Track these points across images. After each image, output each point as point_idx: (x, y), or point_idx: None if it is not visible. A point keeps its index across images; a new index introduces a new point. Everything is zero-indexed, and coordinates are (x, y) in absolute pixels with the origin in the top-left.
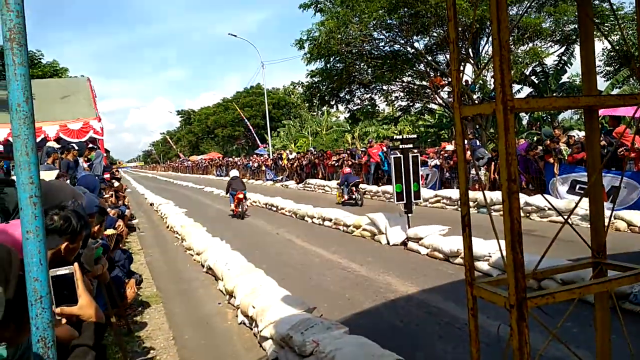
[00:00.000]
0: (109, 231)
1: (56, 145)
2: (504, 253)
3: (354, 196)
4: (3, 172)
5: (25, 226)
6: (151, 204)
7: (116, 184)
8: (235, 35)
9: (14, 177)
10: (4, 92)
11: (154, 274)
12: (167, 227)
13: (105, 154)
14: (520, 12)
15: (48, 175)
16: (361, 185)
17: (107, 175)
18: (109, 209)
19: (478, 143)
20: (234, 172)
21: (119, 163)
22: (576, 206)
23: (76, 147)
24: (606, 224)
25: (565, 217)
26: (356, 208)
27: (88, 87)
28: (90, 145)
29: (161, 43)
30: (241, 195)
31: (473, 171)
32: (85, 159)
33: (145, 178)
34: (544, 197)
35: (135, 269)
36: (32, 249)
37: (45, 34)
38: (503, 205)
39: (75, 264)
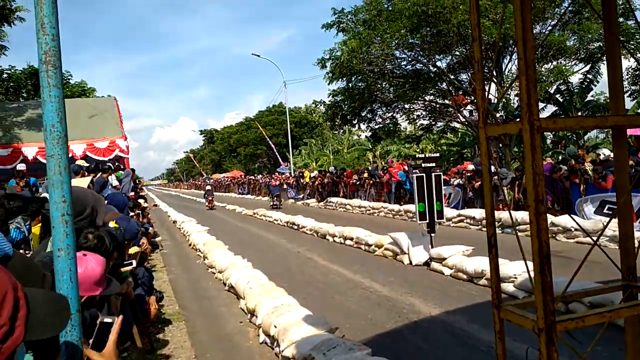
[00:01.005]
0: (134, 249)
1: (85, 164)
2: (532, 275)
3: (276, 203)
4: (30, 189)
5: (57, 244)
6: (174, 222)
7: (143, 203)
8: (258, 55)
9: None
10: (33, 111)
11: (176, 292)
12: (190, 244)
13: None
14: (544, 30)
15: (81, 182)
16: (382, 204)
17: (132, 193)
18: None
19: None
20: (208, 187)
21: (142, 181)
22: (605, 227)
23: (112, 167)
24: (636, 245)
25: (594, 238)
26: (373, 225)
27: (115, 106)
28: (117, 164)
29: (186, 64)
30: (210, 198)
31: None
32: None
33: (168, 196)
34: (572, 218)
35: (157, 286)
36: (64, 267)
37: (74, 54)
38: (530, 227)
39: (120, 317)
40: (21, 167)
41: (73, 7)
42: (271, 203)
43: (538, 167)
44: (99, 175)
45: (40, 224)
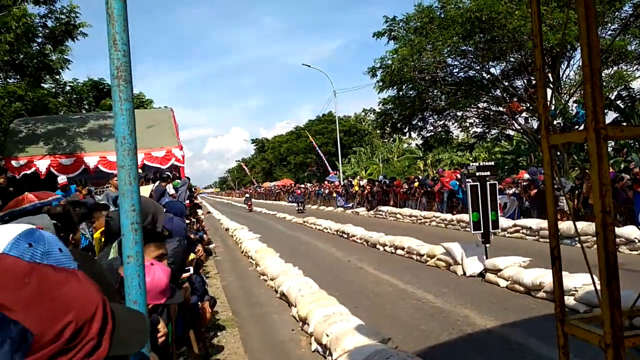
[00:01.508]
0: (190, 256)
1: (140, 172)
2: (598, 288)
3: (301, 208)
4: (92, 196)
5: (127, 251)
6: (227, 229)
7: (199, 212)
8: (309, 66)
9: (103, 202)
10: (95, 122)
11: (229, 298)
12: (242, 252)
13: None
14: (604, 35)
15: (143, 191)
16: (434, 214)
17: (187, 202)
18: (190, 235)
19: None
20: (247, 195)
21: (197, 189)
22: None
23: (170, 176)
24: None
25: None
26: (423, 235)
27: (171, 117)
28: (173, 173)
29: (238, 75)
30: (249, 203)
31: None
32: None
33: (220, 203)
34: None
35: (211, 292)
36: (132, 273)
37: (133, 67)
38: (597, 238)
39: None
40: (62, 179)
41: (131, 22)
42: (297, 208)
43: (605, 177)
44: (157, 183)
45: (101, 230)
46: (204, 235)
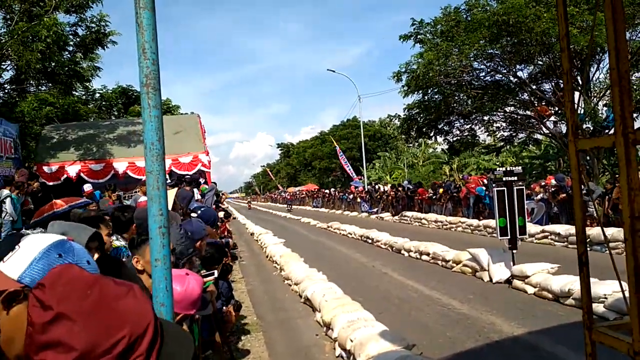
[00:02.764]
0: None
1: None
2: (627, 295)
3: (289, 207)
4: (120, 202)
5: (154, 254)
6: (252, 234)
7: (228, 220)
8: (333, 71)
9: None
10: (124, 128)
11: (254, 303)
12: (267, 256)
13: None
14: (634, 37)
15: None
16: (459, 219)
17: (213, 207)
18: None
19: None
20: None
21: (224, 195)
22: None
23: (199, 181)
24: None
25: None
26: (451, 242)
27: (198, 123)
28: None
29: (264, 81)
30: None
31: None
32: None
33: (245, 208)
34: None
35: (236, 297)
36: (160, 276)
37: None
38: (626, 245)
39: None
40: (88, 187)
41: (159, 31)
42: (287, 208)
43: (634, 182)
44: (182, 186)
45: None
46: (230, 240)
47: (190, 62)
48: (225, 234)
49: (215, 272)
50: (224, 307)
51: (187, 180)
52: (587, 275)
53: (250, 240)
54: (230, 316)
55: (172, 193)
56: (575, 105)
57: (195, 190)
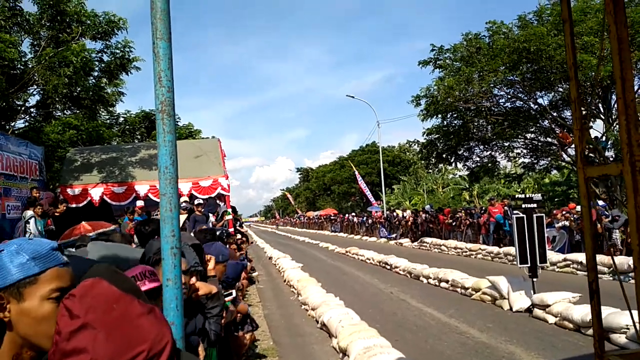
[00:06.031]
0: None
1: (185, 204)
2: (637, 324)
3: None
4: (149, 216)
5: (166, 274)
6: (270, 258)
7: (243, 242)
8: (352, 97)
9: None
10: (146, 151)
11: (270, 327)
12: (284, 280)
13: (231, 211)
14: None
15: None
16: (479, 246)
17: (231, 230)
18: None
19: (601, 203)
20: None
21: (241, 218)
22: None
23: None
24: None
25: None
26: (474, 270)
27: (218, 147)
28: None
29: (284, 106)
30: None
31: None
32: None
33: (265, 232)
34: None
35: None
36: (171, 295)
37: (183, 100)
38: (635, 273)
39: None
40: (140, 203)
41: (182, 57)
42: (275, 227)
43: None
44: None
45: None
46: (248, 264)
47: (213, 87)
48: (244, 257)
49: (233, 292)
50: (238, 333)
51: (201, 204)
52: (597, 303)
53: (268, 264)
54: (244, 340)
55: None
56: (596, 132)
57: (211, 214)
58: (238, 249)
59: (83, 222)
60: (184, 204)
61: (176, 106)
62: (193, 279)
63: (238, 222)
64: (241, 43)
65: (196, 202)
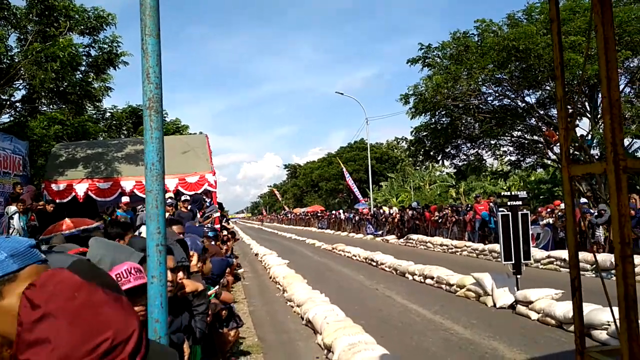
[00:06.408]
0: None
1: (171, 200)
2: (618, 321)
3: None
4: (135, 212)
5: (151, 271)
6: (256, 254)
7: (228, 239)
8: (342, 93)
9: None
10: (132, 147)
11: (255, 324)
12: (270, 277)
13: (217, 207)
14: None
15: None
16: (465, 243)
17: (217, 226)
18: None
19: (583, 201)
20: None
21: (227, 215)
22: None
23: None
24: None
25: None
26: (459, 267)
27: (205, 143)
28: (203, 197)
29: (272, 103)
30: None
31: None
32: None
33: (251, 229)
34: None
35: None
36: (155, 293)
37: (171, 94)
38: (616, 270)
39: None
40: (125, 199)
41: (172, 52)
42: (259, 224)
43: (624, 208)
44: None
45: None
46: (234, 260)
47: (201, 82)
48: (230, 253)
49: (217, 286)
50: (222, 329)
51: (187, 200)
52: (579, 300)
53: (255, 261)
54: (229, 336)
55: None
56: (582, 131)
57: (197, 210)
58: (223, 245)
59: (66, 219)
60: (169, 200)
61: (164, 101)
62: (180, 274)
63: (224, 219)
64: (232, 40)
65: (182, 198)
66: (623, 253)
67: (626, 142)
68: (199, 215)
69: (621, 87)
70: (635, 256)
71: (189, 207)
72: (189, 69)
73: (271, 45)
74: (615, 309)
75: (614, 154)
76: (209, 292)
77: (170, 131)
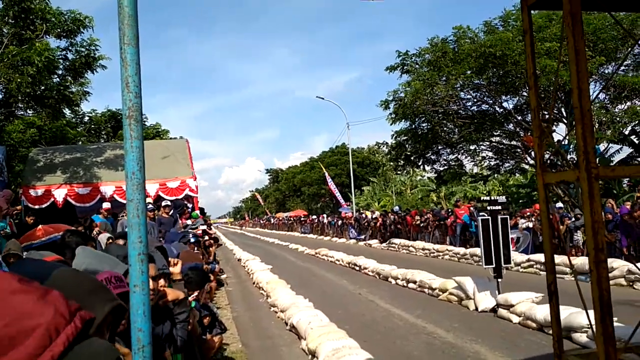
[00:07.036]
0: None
1: (150, 205)
2: (594, 325)
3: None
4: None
5: (133, 280)
6: (239, 260)
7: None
8: (322, 98)
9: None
10: (111, 152)
11: (239, 330)
12: (254, 282)
13: (199, 212)
14: (618, 71)
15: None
16: (447, 247)
17: (200, 231)
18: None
19: (559, 205)
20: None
21: (209, 220)
22: None
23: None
24: None
25: None
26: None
27: (186, 148)
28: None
29: (254, 107)
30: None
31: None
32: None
33: (234, 234)
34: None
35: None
36: (138, 302)
37: (151, 98)
38: (591, 275)
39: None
40: (106, 205)
41: (150, 55)
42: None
43: (597, 215)
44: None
45: None
46: (216, 266)
47: (182, 86)
48: (212, 259)
49: (195, 294)
50: (208, 335)
51: (168, 206)
52: (556, 305)
53: (238, 266)
54: (212, 343)
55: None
56: (559, 136)
57: (177, 216)
58: (206, 251)
59: (42, 225)
60: (149, 206)
61: (144, 105)
62: (161, 282)
63: (206, 224)
64: (212, 43)
65: (164, 203)
66: (597, 259)
67: (602, 147)
68: (180, 221)
69: (596, 94)
70: (614, 259)
71: (170, 212)
72: (169, 72)
73: (251, 48)
74: (591, 312)
75: (586, 162)
76: (189, 298)
77: (150, 136)
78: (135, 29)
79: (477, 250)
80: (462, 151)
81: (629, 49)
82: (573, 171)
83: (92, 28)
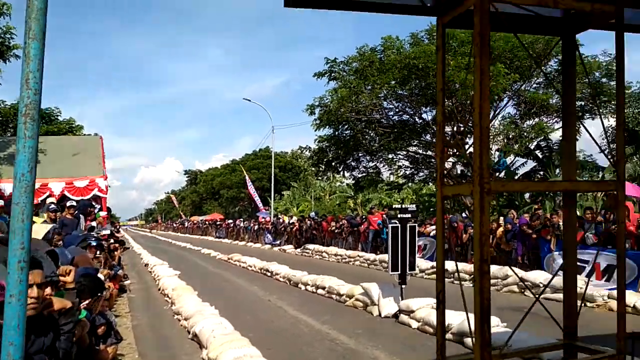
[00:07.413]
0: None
1: (53, 205)
2: (473, 329)
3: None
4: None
5: (10, 290)
6: (146, 265)
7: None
8: (249, 100)
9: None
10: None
11: (137, 339)
12: (159, 289)
13: (106, 213)
14: (528, 88)
15: (42, 229)
16: (358, 253)
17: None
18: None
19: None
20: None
21: (118, 223)
22: (548, 284)
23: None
24: (600, 303)
25: (538, 294)
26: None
27: (99, 145)
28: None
29: (177, 105)
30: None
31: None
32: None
33: (144, 237)
34: (513, 270)
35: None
36: (13, 313)
37: (66, 91)
38: (474, 285)
39: None
40: (70, 203)
41: (67, 44)
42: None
43: (485, 227)
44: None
45: None
46: (120, 270)
47: (102, 80)
48: (117, 263)
49: (86, 302)
50: (102, 345)
51: (73, 206)
52: (442, 313)
53: (144, 272)
54: (106, 354)
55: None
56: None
57: (82, 217)
58: (110, 255)
59: None
60: (52, 206)
61: (59, 98)
62: (48, 290)
63: (113, 226)
64: (139, 37)
65: (68, 204)
66: (481, 269)
67: (509, 160)
68: (83, 222)
69: (508, 109)
70: (513, 267)
71: (75, 213)
72: (88, 64)
73: (185, 45)
74: (471, 315)
75: (479, 177)
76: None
77: (62, 131)
78: (42, 23)
79: (387, 257)
80: (381, 159)
81: (540, 68)
82: (468, 185)
83: (10, 16)
